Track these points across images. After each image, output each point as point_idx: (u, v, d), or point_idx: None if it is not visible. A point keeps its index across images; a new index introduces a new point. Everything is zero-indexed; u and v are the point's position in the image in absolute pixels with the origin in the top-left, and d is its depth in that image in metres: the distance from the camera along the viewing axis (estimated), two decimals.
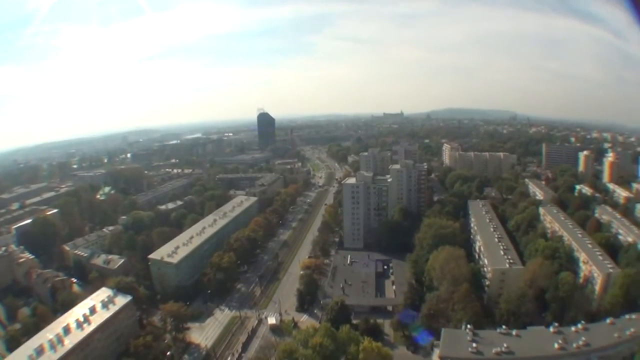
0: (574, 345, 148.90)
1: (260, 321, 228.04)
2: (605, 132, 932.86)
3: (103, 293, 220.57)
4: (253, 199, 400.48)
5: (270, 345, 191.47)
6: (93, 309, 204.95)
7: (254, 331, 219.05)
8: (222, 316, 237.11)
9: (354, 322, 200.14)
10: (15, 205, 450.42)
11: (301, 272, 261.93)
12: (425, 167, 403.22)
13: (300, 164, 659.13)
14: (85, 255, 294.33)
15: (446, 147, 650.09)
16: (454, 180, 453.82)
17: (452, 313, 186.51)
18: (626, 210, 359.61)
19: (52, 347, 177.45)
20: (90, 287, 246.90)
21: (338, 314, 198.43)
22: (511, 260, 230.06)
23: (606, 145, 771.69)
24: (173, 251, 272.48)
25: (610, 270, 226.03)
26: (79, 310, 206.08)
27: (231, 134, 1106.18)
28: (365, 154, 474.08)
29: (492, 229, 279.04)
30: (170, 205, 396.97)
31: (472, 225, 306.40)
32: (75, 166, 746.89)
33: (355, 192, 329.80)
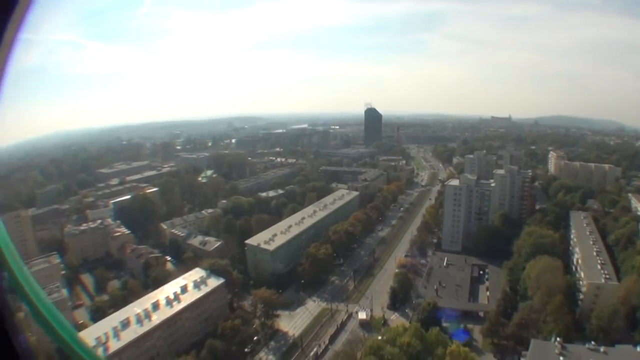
0: None
1: (350, 315, 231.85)
2: None
3: (196, 273, 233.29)
4: (354, 194, 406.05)
5: (358, 340, 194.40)
6: (185, 288, 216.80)
7: (343, 324, 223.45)
8: (313, 307, 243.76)
9: (444, 324, 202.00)
10: (115, 181, 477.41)
11: (396, 270, 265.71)
12: (530, 174, 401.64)
13: (404, 161, 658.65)
14: (182, 235, 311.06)
15: (552, 155, 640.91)
16: (557, 190, 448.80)
17: (543, 324, 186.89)
18: None
19: (139, 320, 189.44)
20: (184, 266, 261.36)
21: (429, 316, 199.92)
22: (607, 276, 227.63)
23: None
24: (270, 238, 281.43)
25: None
26: (170, 288, 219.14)
27: (337, 127, 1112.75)
28: (471, 156, 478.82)
29: (591, 242, 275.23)
30: (272, 193, 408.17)
31: (572, 236, 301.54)
32: (178, 147, 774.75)
33: (457, 195, 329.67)
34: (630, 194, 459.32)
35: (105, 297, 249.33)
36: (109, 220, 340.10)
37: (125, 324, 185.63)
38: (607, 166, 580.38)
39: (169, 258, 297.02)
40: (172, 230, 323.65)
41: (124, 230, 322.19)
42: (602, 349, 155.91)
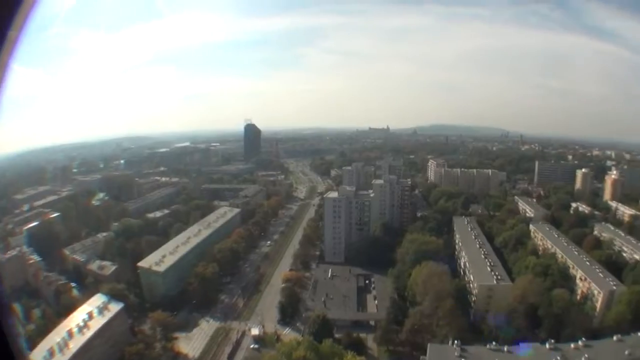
0: None
1: (244, 333, 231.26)
2: (608, 150, 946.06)
3: (98, 299, 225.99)
4: (236, 210, 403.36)
5: (255, 358, 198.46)
6: (90, 315, 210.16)
7: (238, 343, 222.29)
8: (207, 327, 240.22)
9: (336, 336, 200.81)
10: (25, 207, 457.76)
11: (282, 285, 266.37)
12: (409, 182, 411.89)
13: (283, 176, 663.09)
14: (82, 260, 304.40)
15: (431, 163, 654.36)
16: (438, 197, 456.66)
17: (437, 329, 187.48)
18: (632, 228, 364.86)
19: (60, 350, 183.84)
20: (87, 292, 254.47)
21: (320, 328, 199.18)
22: (499, 277, 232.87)
23: (609, 163, 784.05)
24: (160, 260, 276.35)
25: (614, 287, 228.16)
26: (78, 315, 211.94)
27: (218, 144, 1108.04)
28: (349, 168, 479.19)
29: (478, 246, 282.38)
30: (158, 214, 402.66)
31: (456, 241, 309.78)
32: (75, 170, 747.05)
33: (336, 207, 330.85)
34: (516, 197, 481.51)
35: (32, 327, 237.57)
36: (24, 248, 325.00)
37: (51, 353, 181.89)
38: (489, 171, 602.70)
39: (73, 284, 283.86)
40: (74, 256, 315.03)
41: (35, 257, 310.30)
42: (505, 348, 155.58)
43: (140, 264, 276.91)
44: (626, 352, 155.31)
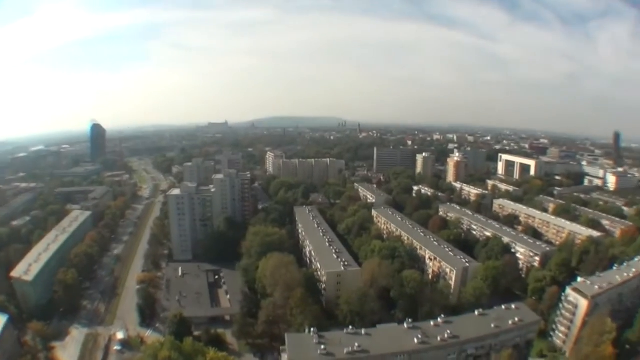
0: (438, 338, 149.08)
1: (110, 338, 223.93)
2: (450, 134, 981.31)
3: None
4: (87, 213, 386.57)
5: None
6: None
7: (107, 348, 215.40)
8: (77, 334, 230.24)
9: (196, 334, 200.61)
10: None
11: (137, 287, 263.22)
12: (249, 175, 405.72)
13: (128, 176, 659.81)
14: None
15: (270, 155, 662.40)
16: (278, 188, 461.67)
17: (292, 318, 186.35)
18: (479, 207, 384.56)
19: None
20: None
21: (179, 327, 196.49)
22: (346, 263, 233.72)
23: (451, 146, 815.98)
24: (27, 269, 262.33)
25: (467, 264, 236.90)
26: None
27: (68, 146, 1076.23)
28: (189, 164, 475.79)
29: (321, 234, 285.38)
30: (21, 221, 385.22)
31: (300, 231, 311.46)
32: None
33: (180, 204, 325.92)
34: (356, 184, 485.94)
35: None
36: None
37: None
38: (328, 160, 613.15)
39: None
40: None
41: None
42: (363, 331, 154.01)
43: (12, 274, 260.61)
44: (492, 325, 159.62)
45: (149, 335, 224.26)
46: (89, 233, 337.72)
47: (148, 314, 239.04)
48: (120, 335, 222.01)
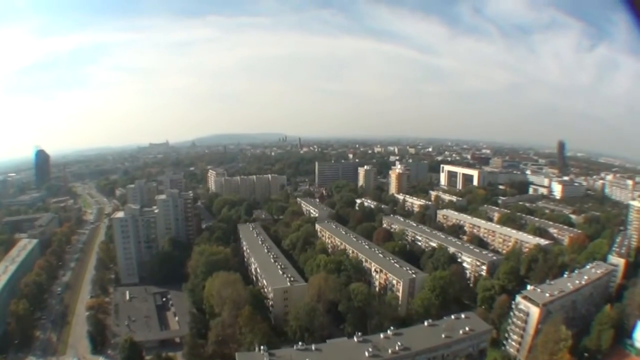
0: (389, 350, 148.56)
1: None
2: (391, 146, 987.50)
3: None
4: (34, 241, 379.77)
5: None
6: None
7: None
8: None
9: (147, 358, 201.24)
10: None
11: (87, 313, 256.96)
12: (192, 195, 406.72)
13: (72, 201, 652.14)
14: None
15: (211, 174, 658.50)
16: (221, 206, 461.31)
17: (241, 337, 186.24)
18: (423, 217, 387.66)
19: None
20: None
21: (130, 352, 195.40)
22: (292, 278, 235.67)
23: (393, 158, 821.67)
24: None
25: (413, 275, 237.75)
26: None
27: (14, 174, 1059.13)
28: (132, 186, 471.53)
29: (266, 250, 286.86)
30: None
31: (244, 248, 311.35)
32: None
33: (124, 226, 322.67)
34: (299, 199, 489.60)
35: None
36: None
37: None
38: (269, 176, 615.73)
39: None
40: None
41: None
42: (313, 347, 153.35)
43: None
44: (443, 336, 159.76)
45: None
46: (38, 261, 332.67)
47: (99, 340, 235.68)
48: None
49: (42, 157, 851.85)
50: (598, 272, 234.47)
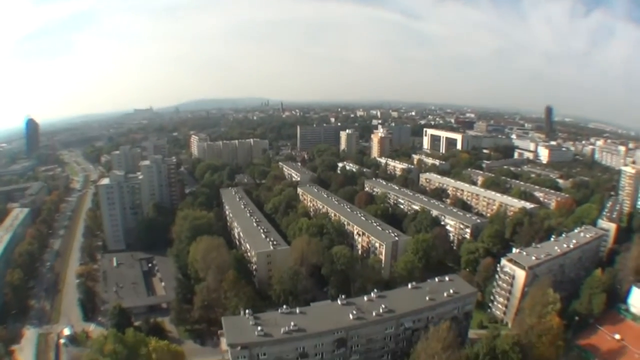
0: (374, 313, 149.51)
1: (59, 335, 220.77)
2: (373, 110, 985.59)
3: None
4: (26, 210, 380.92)
5: (75, 358, 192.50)
6: None
7: (58, 346, 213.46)
8: (30, 335, 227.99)
9: (136, 324, 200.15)
10: None
11: (77, 281, 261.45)
12: (175, 160, 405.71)
13: (60, 169, 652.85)
14: None
15: (194, 139, 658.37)
16: (204, 171, 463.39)
17: (226, 301, 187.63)
18: (406, 181, 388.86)
19: None
20: None
21: (119, 319, 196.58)
22: (275, 242, 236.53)
23: (375, 122, 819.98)
24: None
25: (396, 238, 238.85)
26: None
27: (5, 144, 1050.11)
28: (117, 152, 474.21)
29: (248, 214, 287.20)
30: None
31: (227, 212, 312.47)
32: None
33: (109, 193, 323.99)
34: (281, 163, 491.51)
35: None
36: None
37: None
38: (251, 140, 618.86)
39: None
40: None
41: None
42: (297, 310, 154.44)
43: None
44: (427, 298, 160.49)
45: (93, 329, 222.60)
46: (29, 230, 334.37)
47: (90, 307, 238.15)
48: (67, 332, 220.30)
49: (32, 126, 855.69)
50: (587, 236, 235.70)
